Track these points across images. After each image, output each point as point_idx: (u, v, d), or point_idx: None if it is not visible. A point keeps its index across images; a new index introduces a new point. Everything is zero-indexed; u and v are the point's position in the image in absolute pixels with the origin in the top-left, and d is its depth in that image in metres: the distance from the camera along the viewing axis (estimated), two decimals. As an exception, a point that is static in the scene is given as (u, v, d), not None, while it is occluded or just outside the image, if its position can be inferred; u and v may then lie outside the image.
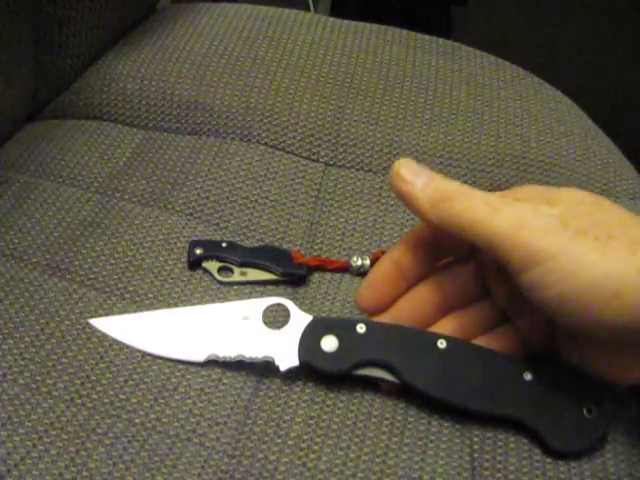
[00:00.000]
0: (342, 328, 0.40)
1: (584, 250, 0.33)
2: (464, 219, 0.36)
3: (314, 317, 0.41)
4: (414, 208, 0.38)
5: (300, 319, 0.41)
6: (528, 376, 0.38)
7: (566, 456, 0.38)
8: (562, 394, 0.39)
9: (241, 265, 0.47)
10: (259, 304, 0.42)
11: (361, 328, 0.40)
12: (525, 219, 0.35)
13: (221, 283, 0.46)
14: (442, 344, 0.39)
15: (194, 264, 0.47)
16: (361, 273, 0.48)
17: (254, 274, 0.47)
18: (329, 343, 0.40)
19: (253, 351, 0.41)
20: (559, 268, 0.33)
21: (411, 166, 0.39)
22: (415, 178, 0.38)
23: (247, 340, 0.41)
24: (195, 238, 0.48)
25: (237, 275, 0.47)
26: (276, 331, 0.41)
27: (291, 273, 0.47)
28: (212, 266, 0.47)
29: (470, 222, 0.36)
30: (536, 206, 0.36)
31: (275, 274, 0.47)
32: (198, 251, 0.47)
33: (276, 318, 0.42)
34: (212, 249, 0.47)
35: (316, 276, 0.48)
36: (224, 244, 0.48)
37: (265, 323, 0.42)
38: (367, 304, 0.41)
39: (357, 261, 0.48)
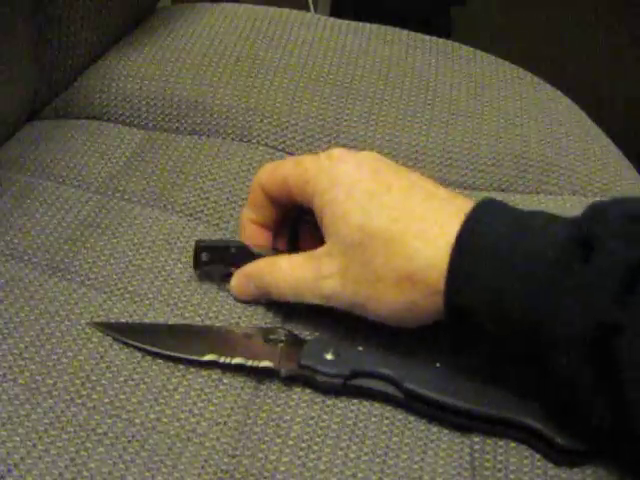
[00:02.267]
0: (343, 345, 0.42)
1: (364, 301, 0.40)
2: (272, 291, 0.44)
3: (315, 337, 0.43)
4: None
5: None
6: (523, 391, 0.39)
7: (572, 456, 0.38)
8: (561, 402, 0.39)
9: None
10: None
11: (361, 347, 0.42)
12: (315, 290, 0.42)
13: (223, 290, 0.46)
14: (438, 364, 0.41)
15: (200, 268, 0.46)
16: None
17: None
18: (330, 355, 0.41)
19: (254, 360, 0.41)
20: (361, 312, 0.41)
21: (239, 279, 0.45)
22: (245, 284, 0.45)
23: (248, 350, 0.41)
24: (202, 240, 0.47)
25: None
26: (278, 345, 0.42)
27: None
28: (217, 271, 0.46)
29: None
30: (316, 267, 0.41)
31: None
32: (204, 257, 0.45)
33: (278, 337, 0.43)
34: (220, 255, 0.45)
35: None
36: (233, 249, 0.45)
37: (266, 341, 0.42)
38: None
39: None
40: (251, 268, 0.45)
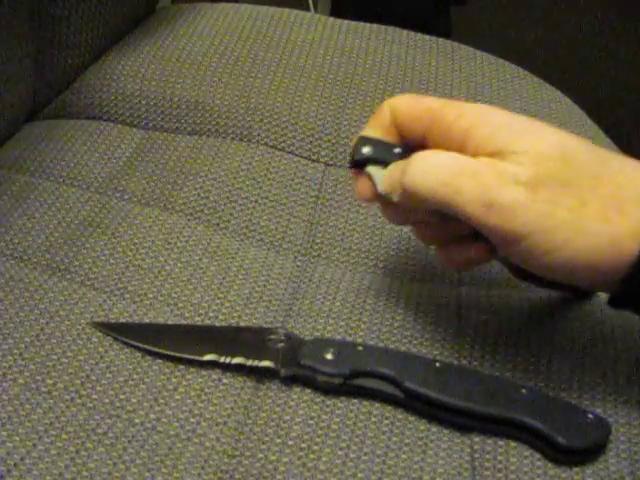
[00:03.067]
0: (343, 345, 0.41)
1: (558, 226, 0.33)
2: (430, 202, 0.36)
3: (315, 337, 0.43)
4: (394, 198, 0.39)
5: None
6: (524, 390, 0.39)
7: (571, 455, 0.38)
8: (561, 402, 0.39)
9: None
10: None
11: (360, 347, 0.41)
12: (491, 194, 0.34)
13: None
14: (438, 364, 0.40)
15: (356, 163, 0.41)
16: None
17: None
18: (330, 355, 0.40)
19: (254, 360, 0.41)
20: (534, 245, 0.34)
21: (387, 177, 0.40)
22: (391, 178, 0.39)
23: (248, 350, 0.41)
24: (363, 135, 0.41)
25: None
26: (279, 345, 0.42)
27: None
28: (377, 172, 0.40)
29: (436, 205, 0.36)
30: (499, 169, 0.34)
31: None
32: (365, 151, 0.40)
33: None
34: (383, 151, 0.40)
35: (316, 275, 0.48)
36: (398, 149, 0.40)
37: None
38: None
39: None
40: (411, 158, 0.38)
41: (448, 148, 0.37)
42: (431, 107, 0.39)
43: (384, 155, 0.40)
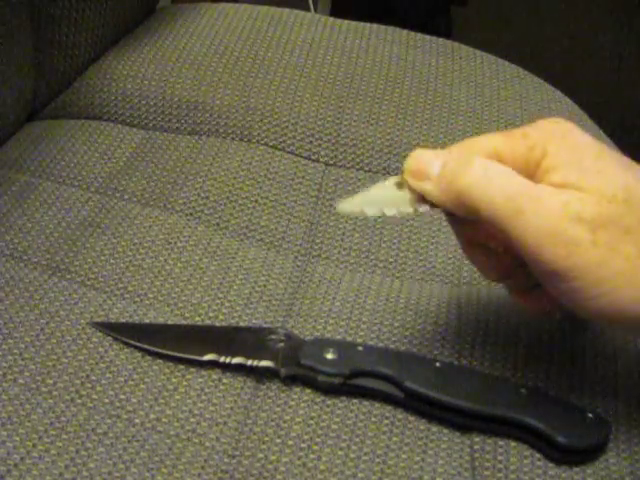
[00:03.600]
0: (343, 344, 0.41)
1: (612, 275, 0.32)
2: (484, 213, 0.34)
3: (315, 337, 0.43)
4: (441, 204, 0.36)
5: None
6: (523, 390, 0.39)
7: (571, 454, 0.38)
8: (561, 402, 0.39)
9: None
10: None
11: (360, 347, 0.41)
12: (553, 226, 0.32)
13: None
14: (438, 364, 0.40)
15: None
16: None
17: None
18: (330, 355, 0.40)
19: (254, 360, 0.41)
20: (582, 287, 0.32)
21: (426, 156, 0.37)
22: (429, 167, 0.36)
23: (248, 350, 0.41)
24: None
25: None
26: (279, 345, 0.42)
27: None
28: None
29: (490, 218, 0.34)
30: (564, 200, 0.33)
31: None
32: None
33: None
34: None
35: (317, 275, 0.48)
36: None
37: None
38: None
39: None
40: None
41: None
42: (495, 145, 0.36)
43: None
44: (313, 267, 0.49)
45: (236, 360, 0.40)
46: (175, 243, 0.48)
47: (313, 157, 0.57)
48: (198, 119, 0.59)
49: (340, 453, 0.38)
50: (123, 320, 0.43)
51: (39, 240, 0.47)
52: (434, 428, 0.39)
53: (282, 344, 0.41)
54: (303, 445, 0.38)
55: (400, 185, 0.38)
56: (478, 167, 0.34)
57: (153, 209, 0.51)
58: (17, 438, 0.37)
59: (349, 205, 0.38)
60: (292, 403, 0.40)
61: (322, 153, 0.57)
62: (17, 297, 0.44)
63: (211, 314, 0.44)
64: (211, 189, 0.52)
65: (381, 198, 0.38)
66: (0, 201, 0.50)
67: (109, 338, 0.42)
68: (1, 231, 0.48)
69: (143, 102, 0.60)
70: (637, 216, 0.33)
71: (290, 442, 0.38)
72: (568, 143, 0.35)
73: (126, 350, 0.42)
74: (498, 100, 0.64)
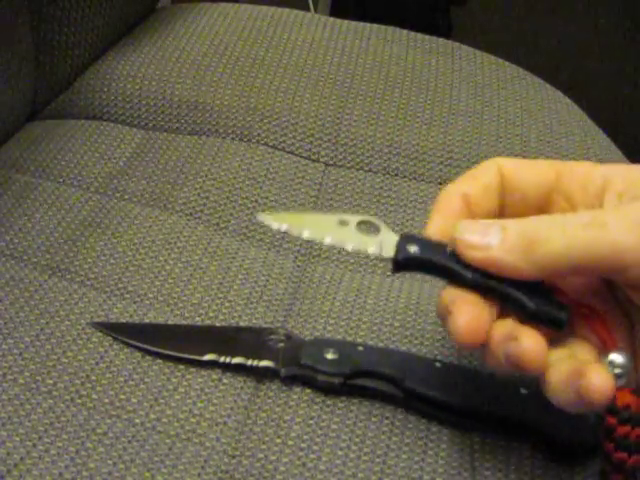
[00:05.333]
0: (343, 344, 0.41)
1: None
2: (571, 254, 0.30)
3: (315, 337, 0.43)
4: (505, 271, 0.32)
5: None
6: (523, 390, 0.39)
7: (571, 454, 0.38)
8: None
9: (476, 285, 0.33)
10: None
11: (360, 347, 0.41)
12: None
13: None
14: (438, 364, 0.40)
15: (401, 266, 0.35)
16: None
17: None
18: (330, 355, 0.40)
19: (254, 360, 0.41)
20: None
21: (474, 227, 0.33)
22: (485, 238, 0.32)
23: (248, 350, 0.41)
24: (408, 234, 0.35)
25: None
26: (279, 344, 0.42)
27: (546, 313, 0.33)
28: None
29: (580, 254, 0.30)
30: None
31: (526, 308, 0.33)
32: (412, 251, 0.34)
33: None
34: (431, 252, 0.34)
35: (317, 275, 0.48)
36: (450, 248, 0.34)
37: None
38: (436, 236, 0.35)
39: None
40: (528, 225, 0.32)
41: (583, 201, 0.34)
42: (552, 163, 0.36)
43: (433, 256, 0.34)
44: (313, 267, 0.49)
45: (236, 360, 0.40)
46: (175, 243, 0.48)
47: (313, 157, 0.57)
48: (198, 119, 0.59)
49: (340, 453, 0.38)
50: (123, 320, 0.43)
51: (39, 240, 0.47)
52: (434, 428, 0.39)
53: (282, 344, 0.41)
54: (303, 445, 0.38)
55: (363, 230, 0.36)
56: (555, 230, 0.31)
57: (153, 209, 0.51)
58: (17, 438, 0.37)
59: (274, 219, 0.37)
60: (292, 403, 0.40)
61: (322, 153, 0.57)
62: (17, 297, 0.44)
63: (211, 314, 0.44)
64: (211, 189, 0.52)
65: (333, 231, 0.36)
66: (0, 201, 0.50)
67: (109, 338, 0.42)
68: (1, 231, 0.48)
69: (143, 102, 0.60)
70: None
71: (290, 442, 0.38)
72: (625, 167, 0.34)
73: (126, 350, 0.42)
74: (498, 100, 0.64)
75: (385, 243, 0.35)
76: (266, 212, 0.37)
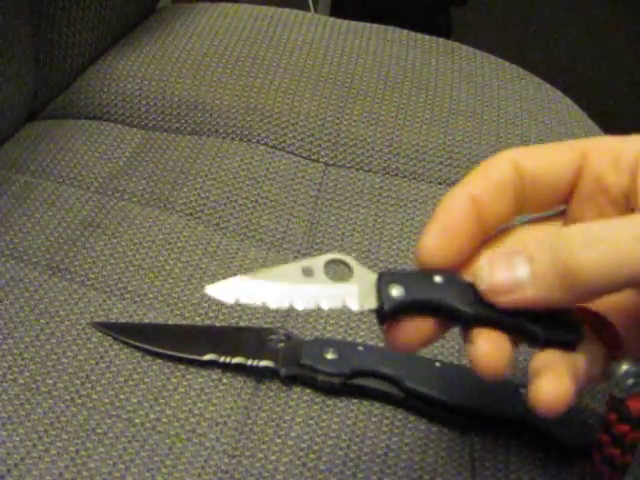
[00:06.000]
0: (343, 345, 0.41)
1: None
2: (621, 273, 0.26)
3: (315, 337, 0.43)
4: (540, 305, 0.28)
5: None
6: (523, 390, 0.39)
7: (571, 453, 0.38)
8: None
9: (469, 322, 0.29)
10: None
11: (360, 347, 0.41)
12: None
13: None
14: (438, 364, 0.40)
15: (386, 315, 0.28)
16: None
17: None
18: (330, 355, 0.40)
19: (254, 360, 0.41)
20: None
21: (497, 265, 0.28)
22: (512, 273, 0.28)
23: (248, 350, 0.41)
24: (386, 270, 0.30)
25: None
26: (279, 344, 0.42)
27: (557, 340, 0.29)
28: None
29: (631, 273, 0.26)
30: None
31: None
32: (395, 292, 0.28)
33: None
34: (419, 288, 0.28)
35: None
36: (438, 278, 0.29)
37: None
38: (434, 253, 0.29)
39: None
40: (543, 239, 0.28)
41: (616, 182, 0.30)
42: (573, 144, 0.31)
43: (423, 292, 0.28)
44: (313, 267, 0.49)
45: (236, 360, 0.40)
46: (175, 243, 0.48)
47: (313, 157, 0.57)
48: (198, 119, 0.59)
49: (340, 453, 0.38)
50: (123, 320, 0.43)
51: (39, 240, 0.47)
52: (434, 428, 0.39)
53: (282, 344, 0.41)
54: (303, 445, 0.38)
55: (333, 274, 0.30)
56: (578, 237, 0.27)
57: (153, 209, 0.51)
58: (17, 438, 0.37)
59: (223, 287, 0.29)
60: (292, 403, 0.40)
61: (322, 153, 0.57)
62: (17, 297, 0.44)
63: (211, 314, 0.44)
64: (211, 189, 0.52)
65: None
66: (0, 201, 0.50)
67: (109, 338, 0.42)
68: (1, 231, 0.48)
69: (143, 102, 0.60)
70: None
71: (290, 442, 0.38)
72: None
73: (126, 350, 0.42)
74: (498, 100, 0.64)
75: (363, 289, 0.29)
76: (213, 283, 0.29)
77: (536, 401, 0.28)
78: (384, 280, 0.28)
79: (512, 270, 0.27)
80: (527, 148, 0.32)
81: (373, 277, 0.29)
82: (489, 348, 0.28)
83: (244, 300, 0.28)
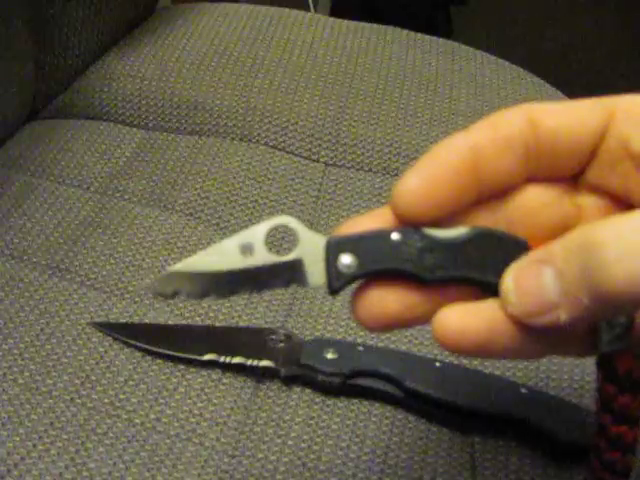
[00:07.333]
0: (343, 344, 0.41)
1: None
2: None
3: (315, 337, 0.43)
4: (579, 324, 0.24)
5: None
6: (524, 390, 0.39)
7: (571, 453, 0.38)
8: (561, 401, 0.39)
9: None
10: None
11: (360, 347, 0.41)
12: None
13: None
14: (438, 364, 0.40)
15: (337, 283, 0.25)
16: None
17: None
18: (330, 355, 0.40)
19: (254, 360, 0.41)
20: None
21: (526, 281, 0.24)
22: (543, 294, 0.24)
23: (248, 350, 0.41)
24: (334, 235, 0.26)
25: None
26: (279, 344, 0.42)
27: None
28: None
29: None
30: None
31: None
32: (346, 260, 0.25)
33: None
34: (371, 254, 0.25)
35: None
36: (395, 235, 0.25)
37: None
38: (414, 198, 0.25)
39: None
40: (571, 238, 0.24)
41: None
42: (599, 101, 0.27)
43: (379, 258, 0.25)
44: (313, 267, 0.49)
45: (236, 360, 0.41)
46: (175, 243, 0.48)
47: (313, 157, 0.57)
48: (198, 119, 0.59)
49: (340, 453, 0.38)
50: (123, 320, 0.43)
51: (39, 240, 0.47)
52: (434, 428, 0.39)
53: (282, 344, 0.41)
54: (303, 445, 0.38)
55: (276, 244, 0.28)
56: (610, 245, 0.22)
57: (153, 209, 0.51)
58: (17, 438, 0.37)
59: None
60: (292, 403, 0.40)
61: (322, 153, 0.57)
62: (17, 297, 0.44)
63: (211, 314, 0.44)
64: (211, 189, 0.52)
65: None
66: (0, 201, 0.50)
67: (109, 338, 0.42)
68: (1, 231, 0.48)
69: (143, 102, 0.60)
70: None
71: (290, 442, 0.38)
72: None
73: (126, 350, 0.42)
74: (498, 100, 0.64)
75: (310, 260, 0.25)
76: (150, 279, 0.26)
77: (437, 324, 0.25)
78: (332, 248, 0.25)
79: (541, 290, 0.24)
80: (547, 103, 0.28)
81: (322, 243, 0.25)
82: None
83: (184, 296, 0.26)
